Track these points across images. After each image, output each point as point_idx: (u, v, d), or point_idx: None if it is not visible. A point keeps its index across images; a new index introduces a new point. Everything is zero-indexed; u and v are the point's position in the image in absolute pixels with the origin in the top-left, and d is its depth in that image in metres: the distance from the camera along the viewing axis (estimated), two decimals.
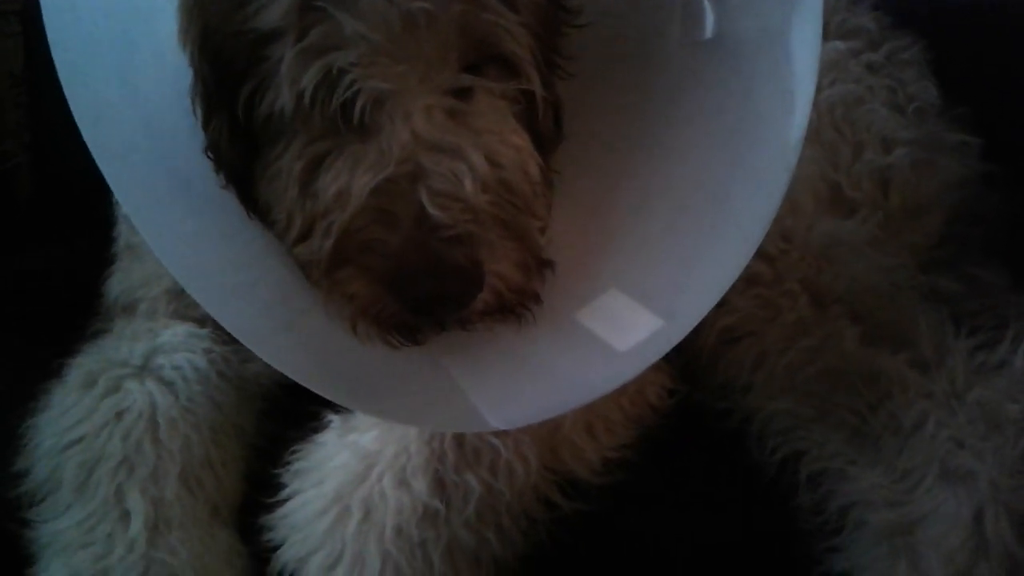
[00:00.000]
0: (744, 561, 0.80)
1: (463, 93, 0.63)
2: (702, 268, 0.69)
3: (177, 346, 0.80)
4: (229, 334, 0.61)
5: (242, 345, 0.61)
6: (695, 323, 0.65)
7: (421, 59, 0.60)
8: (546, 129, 0.69)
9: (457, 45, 0.61)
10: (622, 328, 0.68)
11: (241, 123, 0.64)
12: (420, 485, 0.70)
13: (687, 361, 0.85)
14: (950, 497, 0.76)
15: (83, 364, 0.82)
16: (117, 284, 0.89)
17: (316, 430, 0.77)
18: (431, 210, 0.57)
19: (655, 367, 0.75)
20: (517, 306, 0.65)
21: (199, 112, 0.66)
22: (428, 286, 0.59)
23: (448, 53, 0.61)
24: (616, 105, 0.75)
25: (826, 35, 0.92)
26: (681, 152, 0.73)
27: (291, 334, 0.66)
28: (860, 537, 0.78)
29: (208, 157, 0.66)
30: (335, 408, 0.74)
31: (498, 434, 0.69)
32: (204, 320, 0.80)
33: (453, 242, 0.58)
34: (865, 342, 0.84)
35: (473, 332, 0.65)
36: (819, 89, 0.83)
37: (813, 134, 0.88)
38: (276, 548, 0.73)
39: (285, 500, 0.75)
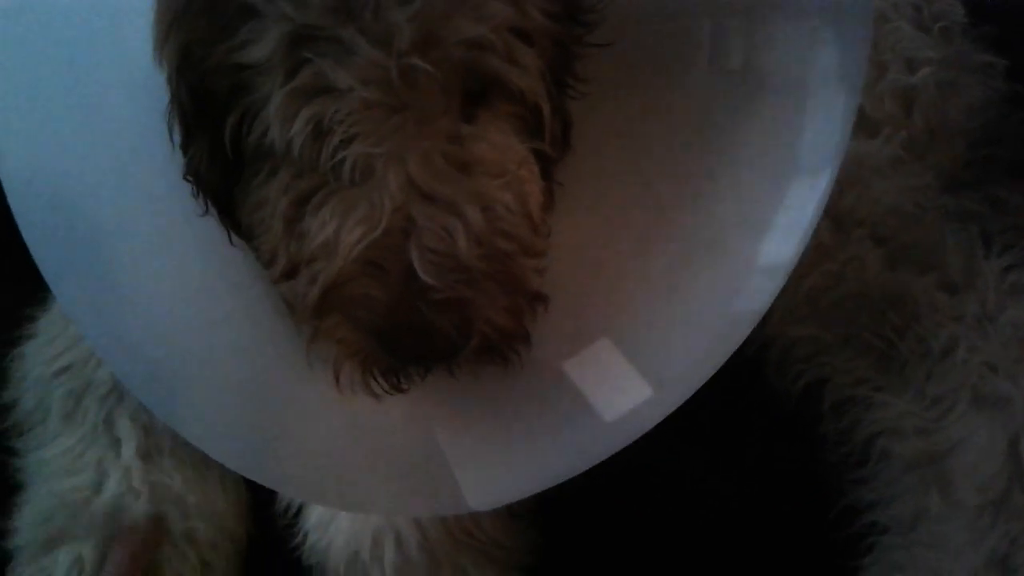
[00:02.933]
0: (766, 495, 0.77)
1: (466, 115, 0.58)
2: (695, 332, 0.65)
3: None
4: None
5: None
6: (683, 399, 0.61)
7: (419, 108, 0.55)
8: (552, 143, 0.64)
9: (459, 89, 0.57)
10: (609, 390, 0.64)
11: (227, 150, 0.59)
12: None
13: None
14: (983, 424, 0.72)
15: None
16: None
17: None
18: (420, 272, 0.53)
19: None
20: (506, 349, 0.61)
21: (178, 135, 0.61)
22: (416, 345, 0.56)
23: (450, 100, 0.56)
24: (630, 131, 0.70)
25: None
26: (692, 192, 0.68)
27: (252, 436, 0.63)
28: (887, 468, 0.74)
29: (188, 181, 0.62)
30: None
31: None
32: None
33: (442, 306, 0.54)
34: (889, 265, 0.80)
35: (458, 380, 0.62)
36: None
37: None
38: None
39: None
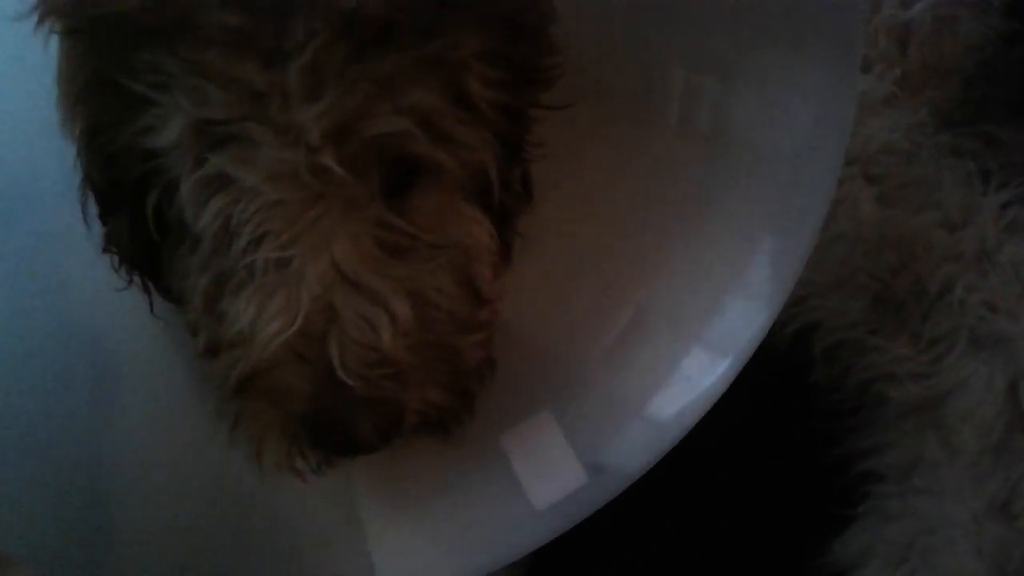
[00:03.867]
0: (755, 445, 0.73)
1: (395, 193, 0.54)
2: (639, 419, 0.59)
3: None
4: None
5: None
6: (618, 490, 0.57)
7: (340, 197, 0.50)
8: (508, 199, 0.59)
9: (381, 174, 0.52)
10: (544, 472, 0.59)
11: (150, 227, 0.55)
12: None
13: None
14: (982, 366, 0.69)
15: None
16: None
17: None
18: (339, 369, 0.49)
19: None
20: (445, 423, 0.57)
21: (95, 208, 0.58)
22: (340, 440, 0.53)
23: (372, 187, 0.51)
24: (593, 184, 0.64)
25: None
26: (656, 255, 0.62)
27: None
28: (882, 414, 0.71)
29: (109, 251, 0.58)
30: None
31: None
32: None
33: (366, 403, 0.51)
34: (883, 204, 0.76)
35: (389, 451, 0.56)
36: None
37: None
38: None
39: None
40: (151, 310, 0.59)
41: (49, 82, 0.54)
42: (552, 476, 0.59)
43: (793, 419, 0.74)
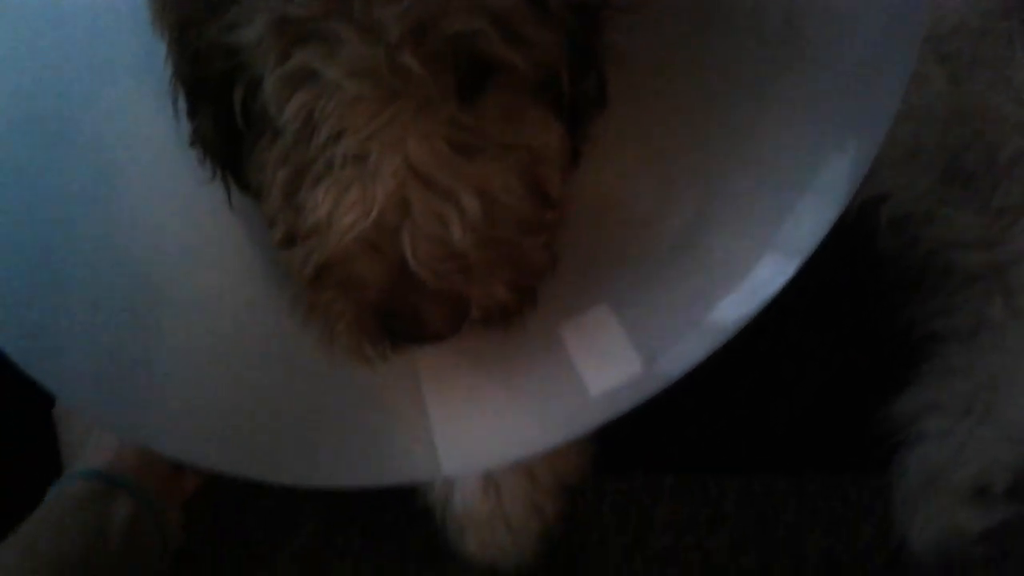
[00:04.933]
0: (820, 311, 0.76)
1: (468, 94, 0.55)
2: (694, 311, 0.60)
3: None
4: None
5: None
6: (670, 380, 0.58)
7: (416, 96, 0.51)
8: (582, 100, 0.60)
9: (456, 75, 0.53)
10: (600, 361, 0.61)
11: (238, 121, 0.57)
12: None
13: None
14: None
15: None
16: None
17: None
18: (412, 263, 0.51)
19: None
20: (507, 317, 0.58)
21: (183, 103, 0.59)
22: (409, 329, 0.55)
23: (447, 86, 0.53)
24: (664, 85, 0.64)
25: None
26: (715, 161, 0.62)
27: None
28: (948, 281, 0.73)
29: (195, 147, 0.60)
30: None
31: None
32: None
33: (436, 296, 0.53)
34: (954, 81, 0.77)
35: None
36: None
37: None
38: None
39: None
40: (229, 203, 0.61)
41: None
42: (609, 364, 0.60)
43: (858, 286, 0.76)
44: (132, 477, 0.66)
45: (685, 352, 0.59)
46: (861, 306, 0.76)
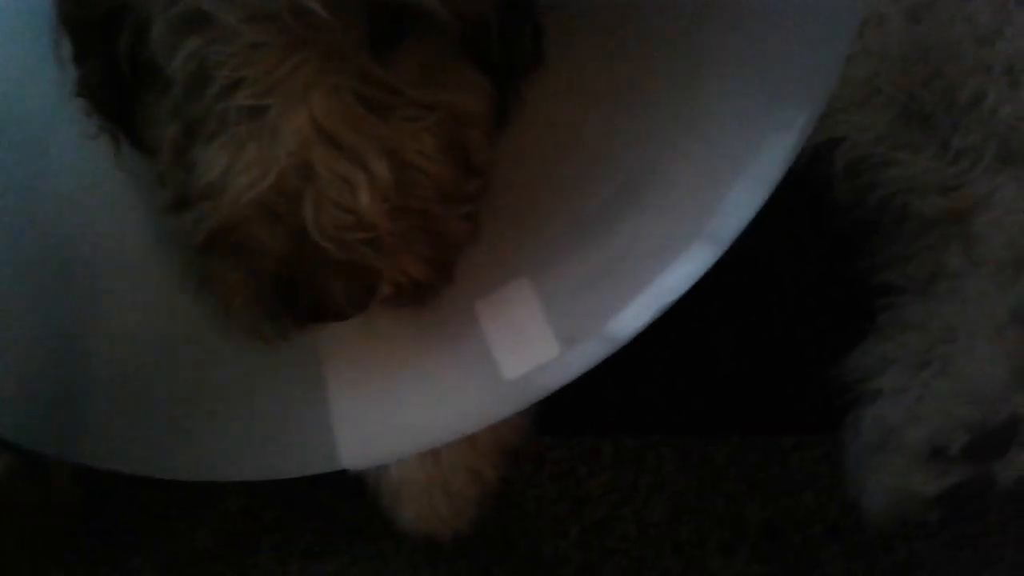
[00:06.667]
0: (772, 259, 0.72)
1: (384, 46, 0.49)
2: (616, 293, 0.56)
3: None
4: None
5: None
6: (587, 366, 0.54)
7: (323, 45, 0.46)
8: (516, 55, 0.55)
9: (369, 23, 0.48)
10: (516, 341, 0.56)
11: (123, 67, 0.51)
12: None
13: None
14: (1010, 180, 0.67)
15: None
16: None
17: None
18: (314, 231, 0.46)
19: None
20: (420, 294, 0.53)
21: (70, 50, 0.53)
22: (310, 305, 0.49)
23: (359, 36, 0.47)
24: (589, 47, 0.59)
25: None
26: (649, 124, 0.57)
27: None
28: (905, 227, 0.69)
29: (82, 95, 0.54)
30: None
31: None
32: None
33: (340, 268, 0.47)
34: (912, 19, 0.73)
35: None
36: None
37: None
38: None
39: None
40: (115, 160, 0.56)
41: None
42: (524, 346, 0.56)
43: (810, 235, 0.72)
44: None
45: (607, 336, 0.54)
46: (814, 256, 0.72)
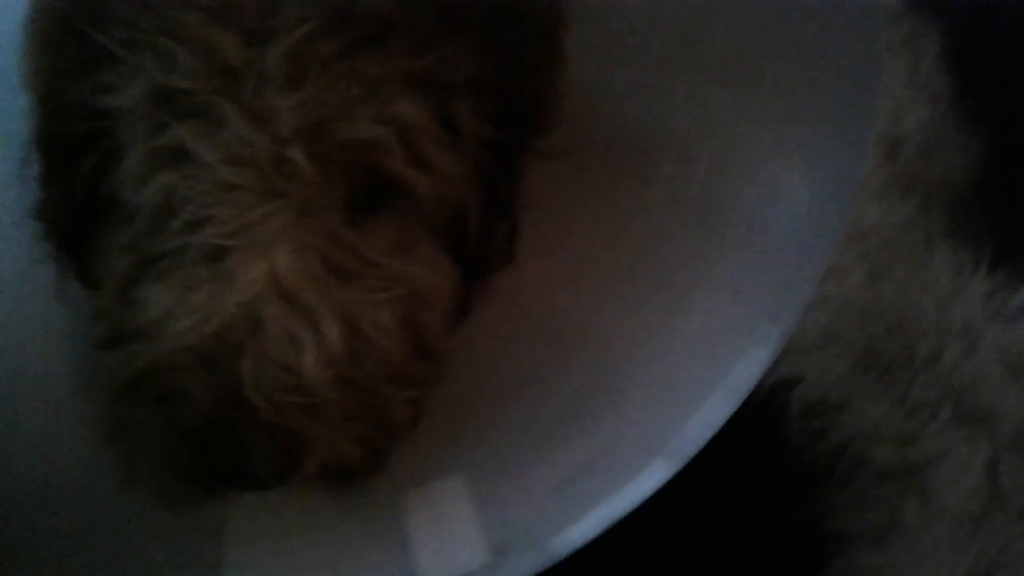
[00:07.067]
0: (723, 496, 0.68)
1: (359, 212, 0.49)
2: (556, 502, 0.52)
3: None
4: None
5: None
6: None
7: (297, 199, 0.46)
8: (489, 249, 0.55)
9: (347, 185, 0.48)
10: (443, 544, 0.53)
11: (81, 192, 0.51)
12: None
13: None
14: (965, 438, 0.67)
15: None
16: None
17: None
18: (249, 387, 0.44)
19: None
20: (347, 478, 0.50)
21: (41, 167, 0.53)
22: (230, 467, 0.46)
23: (334, 195, 0.47)
24: (570, 241, 0.59)
25: None
26: (628, 338, 0.56)
27: None
28: (860, 475, 0.67)
29: (39, 220, 0.53)
30: None
31: None
32: None
33: (270, 431, 0.45)
34: (873, 277, 0.75)
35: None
36: None
37: None
38: None
39: None
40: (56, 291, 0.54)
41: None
42: (450, 549, 0.52)
43: (764, 473, 0.69)
44: None
45: (545, 551, 0.50)
46: (764, 497, 0.69)
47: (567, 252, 0.59)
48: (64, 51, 0.48)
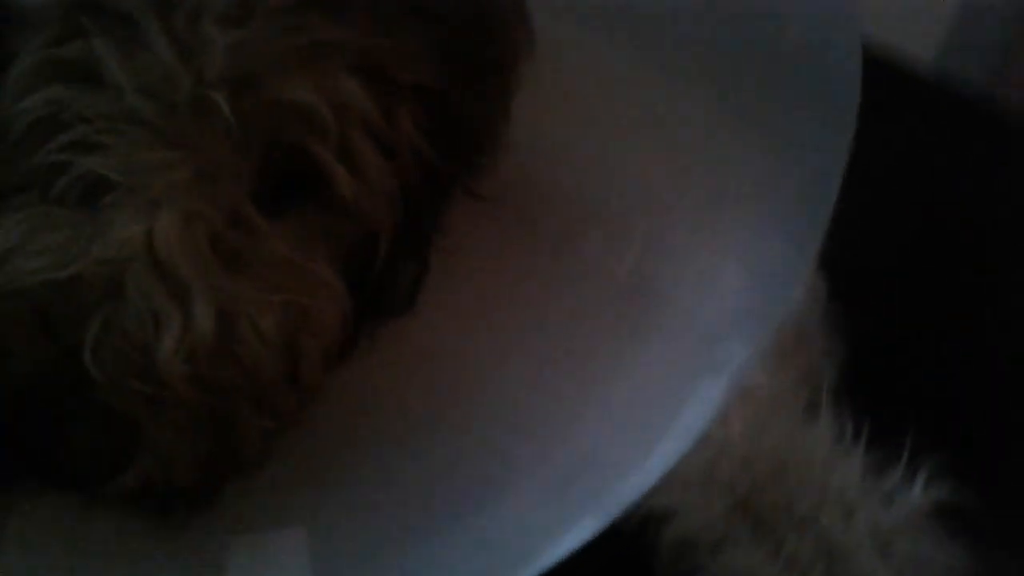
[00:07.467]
0: None
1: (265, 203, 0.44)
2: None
3: None
4: None
5: None
6: None
7: (204, 157, 0.41)
8: (390, 290, 0.50)
9: (262, 160, 0.44)
10: None
11: None
12: None
13: None
14: None
15: None
16: None
17: None
18: (89, 356, 0.38)
19: None
20: (166, 503, 0.44)
21: None
22: (44, 450, 0.40)
23: (245, 167, 0.43)
24: (485, 298, 0.56)
25: None
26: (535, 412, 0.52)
27: None
28: None
29: None
30: None
31: None
32: None
33: (97, 411, 0.38)
34: (756, 428, 0.73)
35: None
36: None
37: None
38: None
39: None
40: None
41: None
42: None
43: None
44: None
45: None
46: None
47: (473, 310, 0.54)
48: None
